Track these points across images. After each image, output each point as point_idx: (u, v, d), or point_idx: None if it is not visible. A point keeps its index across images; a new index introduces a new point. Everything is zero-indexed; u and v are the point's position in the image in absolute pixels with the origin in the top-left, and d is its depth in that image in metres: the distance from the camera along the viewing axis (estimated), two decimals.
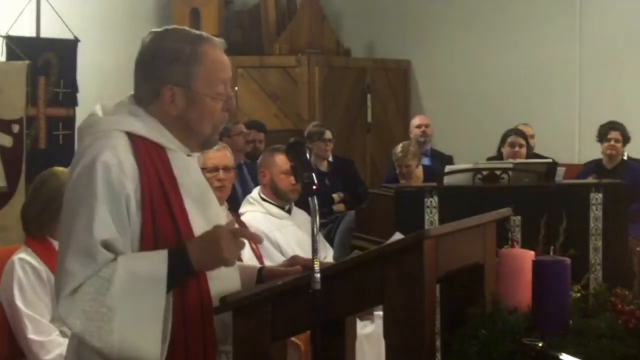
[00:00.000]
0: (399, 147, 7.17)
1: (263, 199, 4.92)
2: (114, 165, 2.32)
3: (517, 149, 7.26)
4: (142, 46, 2.48)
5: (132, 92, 2.51)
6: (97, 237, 2.28)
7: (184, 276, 2.34)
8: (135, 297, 2.27)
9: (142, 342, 2.28)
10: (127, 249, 2.34)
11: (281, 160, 4.76)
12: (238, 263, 2.76)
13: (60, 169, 3.80)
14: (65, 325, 2.34)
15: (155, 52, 2.45)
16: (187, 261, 2.32)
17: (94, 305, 2.26)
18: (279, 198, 4.89)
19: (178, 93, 2.43)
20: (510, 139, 7.34)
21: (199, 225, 2.41)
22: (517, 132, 7.40)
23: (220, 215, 2.63)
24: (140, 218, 2.34)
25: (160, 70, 2.43)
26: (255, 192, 5.01)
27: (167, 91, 2.43)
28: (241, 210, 4.98)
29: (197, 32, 2.51)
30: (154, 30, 2.51)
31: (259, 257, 4.51)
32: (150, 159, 2.40)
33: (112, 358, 2.31)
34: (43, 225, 3.70)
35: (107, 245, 2.29)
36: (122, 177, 2.33)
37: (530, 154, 7.69)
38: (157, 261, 2.30)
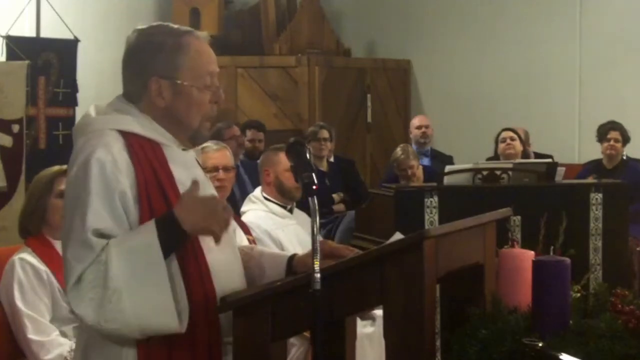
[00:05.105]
0: (399, 150, 7.07)
1: (266, 198, 4.92)
2: (109, 162, 2.34)
3: (509, 142, 7.33)
4: (127, 43, 2.50)
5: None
6: (90, 227, 2.29)
7: (176, 239, 2.31)
8: (135, 271, 2.27)
9: (156, 312, 2.28)
10: None
11: (286, 158, 4.76)
12: (260, 249, 2.78)
13: (56, 167, 3.82)
14: (78, 318, 2.34)
15: (139, 47, 2.48)
16: (175, 222, 2.29)
17: (100, 290, 2.26)
18: (284, 197, 4.88)
19: (164, 85, 2.45)
20: (501, 136, 7.42)
21: None
22: (505, 129, 7.48)
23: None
24: (137, 214, 2.35)
25: (145, 64, 2.46)
26: (258, 191, 5.01)
27: (154, 84, 2.44)
28: (243, 208, 4.98)
29: (181, 26, 2.53)
30: (138, 27, 2.53)
31: None
32: (145, 155, 2.41)
33: (135, 336, 2.32)
34: (38, 222, 3.71)
35: (100, 235, 2.30)
36: (117, 173, 2.34)
37: (529, 154, 7.72)
38: (146, 231, 2.30)
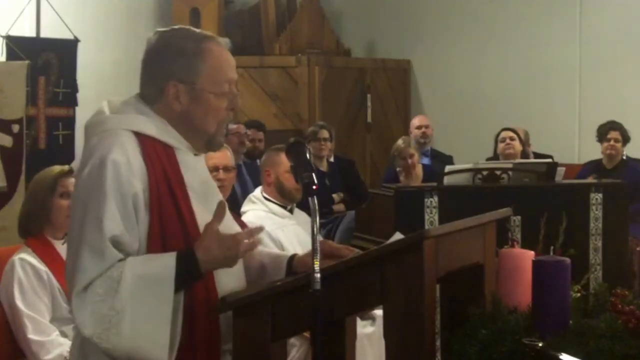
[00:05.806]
0: (400, 140, 7.19)
1: (266, 198, 4.92)
2: (124, 164, 2.33)
3: (508, 141, 7.33)
4: (147, 45, 2.49)
5: (135, 92, 2.51)
6: (107, 234, 2.29)
7: (192, 279, 2.33)
8: (144, 299, 2.27)
9: (150, 344, 2.28)
10: (135, 246, 2.34)
11: (287, 159, 4.76)
12: (261, 248, 2.78)
13: (58, 167, 3.81)
14: (76, 324, 2.34)
15: (160, 49, 2.46)
16: (195, 264, 2.31)
17: (103, 306, 2.26)
18: (284, 197, 4.88)
19: (182, 90, 2.43)
20: (500, 136, 7.42)
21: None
22: (505, 129, 7.48)
23: (227, 215, 2.62)
24: (148, 218, 2.34)
25: (164, 67, 2.44)
26: (258, 191, 5.01)
27: (172, 88, 2.43)
28: (243, 209, 4.98)
29: (203, 31, 2.52)
30: (159, 29, 2.52)
31: None
32: (158, 158, 2.40)
33: (121, 359, 2.31)
34: (40, 222, 3.71)
35: (115, 242, 2.30)
36: (131, 176, 2.33)
37: (528, 154, 7.71)
38: (166, 263, 2.30)
